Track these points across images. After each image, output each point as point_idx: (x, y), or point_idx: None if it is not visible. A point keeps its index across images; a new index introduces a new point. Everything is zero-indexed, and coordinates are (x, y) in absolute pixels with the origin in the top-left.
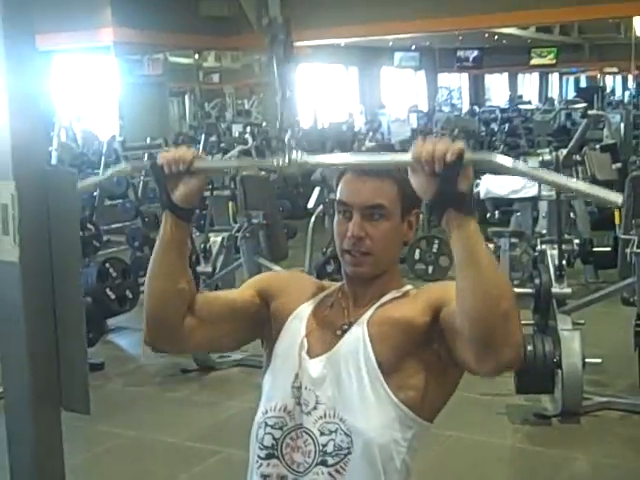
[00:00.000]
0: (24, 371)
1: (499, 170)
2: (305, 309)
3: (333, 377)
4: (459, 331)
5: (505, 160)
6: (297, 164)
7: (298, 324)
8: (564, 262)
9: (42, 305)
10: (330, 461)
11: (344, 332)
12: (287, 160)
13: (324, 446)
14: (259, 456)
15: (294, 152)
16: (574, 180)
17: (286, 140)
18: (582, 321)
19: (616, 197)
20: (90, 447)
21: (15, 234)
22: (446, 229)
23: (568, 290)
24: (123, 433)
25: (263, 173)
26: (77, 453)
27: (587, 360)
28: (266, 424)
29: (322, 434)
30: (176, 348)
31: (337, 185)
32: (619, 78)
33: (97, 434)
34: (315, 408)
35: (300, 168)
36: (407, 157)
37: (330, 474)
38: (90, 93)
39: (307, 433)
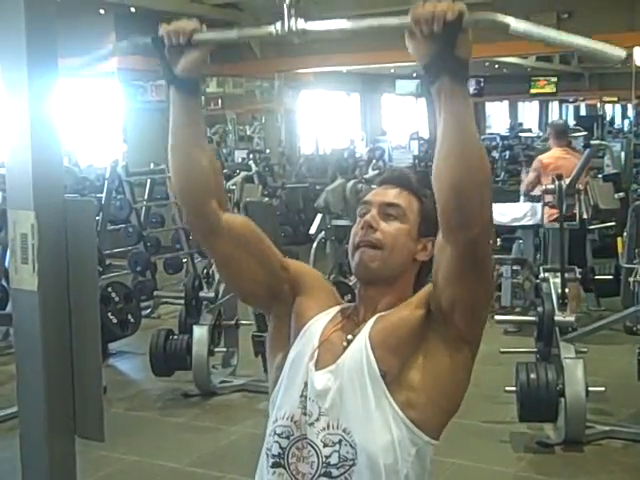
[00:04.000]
0: (40, 398)
1: (501, 28)
2: (322, 319)
3: (337, 389)
4: (443, 290)
5: (507, 19)
6: (295, 32)
7: (313, 333)
8: (566, 290)
9: (59, 333)
10: (334, 472)
11: (349, 343)
12: (286, 28)
13: (327, 457)
14: (267, 464)
15: (292, 19)
16: (575, 36)
17: (285, 5)
18: (585, 349)
19: (619, 52)
20: (91, 472)
21: (34, 263)
22: (436, 96)
23: (571, 318)
24: (124, 458)
25: (266, 199)
26: (78, 478)
27: (590, 389)
28: (275, 432)
29: (325, 445)
30: (206, 229)
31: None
32: (618, 106)
33: (98, 459)
34: (318, 419)
35: (298, 36)
36: (406, 19)
37: None
38: (93, 118)
39: (310, 444)
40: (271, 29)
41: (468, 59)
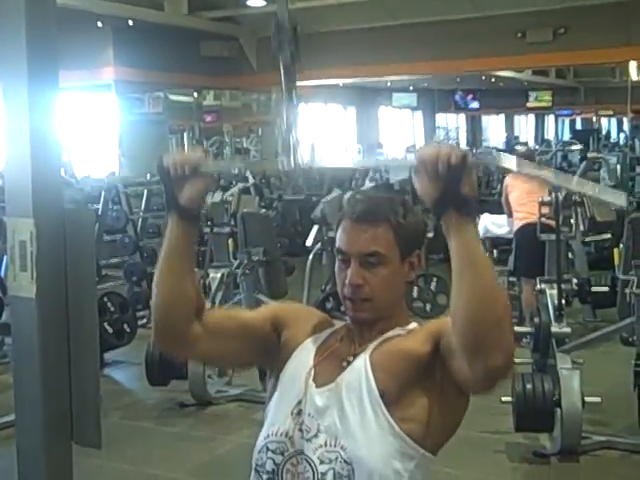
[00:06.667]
0: (37, 405)
1: (503, 171)
2: (314, 341)
3: (336, 407)
4: (455, 351)
5: (510, 162)
6: (301, 168)
7: (306, 354)
8: (563, 301)
9: (57, 340)
10: None
11: (349, 363)
12: (292, 163)
13: (323, 475)
14: None
15: (299, 156)
16: (580, 181)
17: (291, 144)
18: (581, 360)
19: (620, 199)
20: None
21: (32, 270)
22: (445, 232)
23: (568, 329)
24: (119, 467)
25: (263, 211)
26: None
27: (586, 399)
28: (267, 448)
29: (322, 462)
30: (181, 352)
31: (337, 230)
32: (614, 120)
33: (93, 468)
34: (316, 436)
35: (304, 172)
36: (412, 160)
37: None
38: (89, 129)
39: (306, 460)
40: (280, 164)
41: (473, 196)
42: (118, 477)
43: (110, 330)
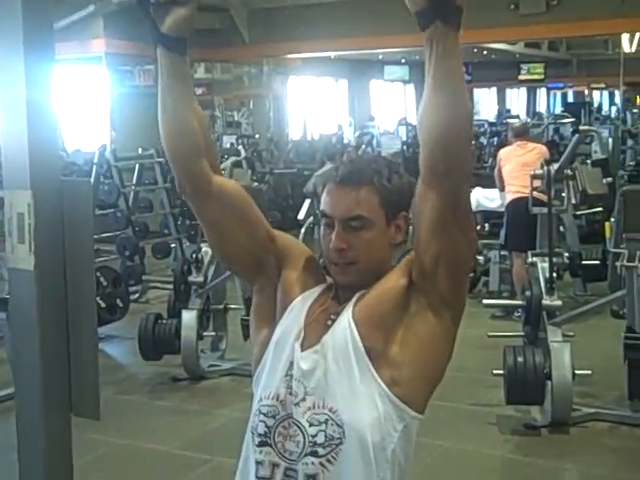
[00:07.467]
0: (36, 377)
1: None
2: (309, 297)
3: (322, 368)
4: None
5: None
6: None
7: (299, 312)
8: (554, 275)
9: (55, 312)
10: (321, 452)
11: (333, 322)
12: None
13: (314, 437)
14: (254, 443)
15: None
16: None
17: None
18: (572, 333)
19: None
20: (80, 455)
21: (30, 243)
22: (427, 44)
23: (559, 302)
24: (113, 441)
25: (256, 184)
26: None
27: (577, 372)
28: (260, 412)
29: (311, 425)
30: (198, 199)
31: (322, 195)
32: (606, 93)
33: (87, 442)
34: (304, 399)
35: None
36: None
37: (321, 464)
38: (80, 103)
39: (296, 424)
40: None
41: (462, 6)
42: (111, 450)
43: (103, 305)
